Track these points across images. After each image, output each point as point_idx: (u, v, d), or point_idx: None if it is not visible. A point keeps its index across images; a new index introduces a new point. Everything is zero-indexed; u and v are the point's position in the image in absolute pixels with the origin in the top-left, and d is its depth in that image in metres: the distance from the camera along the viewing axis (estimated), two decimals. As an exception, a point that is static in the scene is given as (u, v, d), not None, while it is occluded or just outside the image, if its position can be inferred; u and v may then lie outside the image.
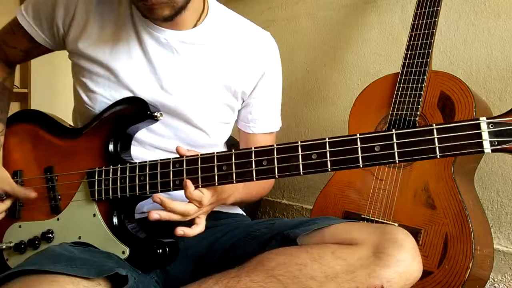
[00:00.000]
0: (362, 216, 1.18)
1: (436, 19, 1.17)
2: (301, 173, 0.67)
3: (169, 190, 0.76)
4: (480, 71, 1.35)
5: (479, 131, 0.58)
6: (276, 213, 1.95)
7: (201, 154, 0.75)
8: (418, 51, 1.18)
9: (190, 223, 0.79)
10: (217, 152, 0.74)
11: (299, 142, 0.68)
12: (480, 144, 0.58)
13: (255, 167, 0.70)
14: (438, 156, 0.60)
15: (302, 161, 0.67)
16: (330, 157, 0.66)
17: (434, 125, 0.60)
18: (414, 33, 1.20)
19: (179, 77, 0.89)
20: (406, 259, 0.69)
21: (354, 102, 1.31)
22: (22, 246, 0.86)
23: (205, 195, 0.76)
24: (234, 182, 0.72)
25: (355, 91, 1.55)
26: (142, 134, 0.89)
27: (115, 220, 0.81)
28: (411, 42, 1.20)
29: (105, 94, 0.89)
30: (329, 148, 0.66)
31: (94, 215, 0.82)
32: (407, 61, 1.19)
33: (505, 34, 1.30)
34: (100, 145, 0.84)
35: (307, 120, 1.85)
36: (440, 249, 1.03)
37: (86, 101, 0.90)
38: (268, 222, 0.90)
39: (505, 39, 1.30)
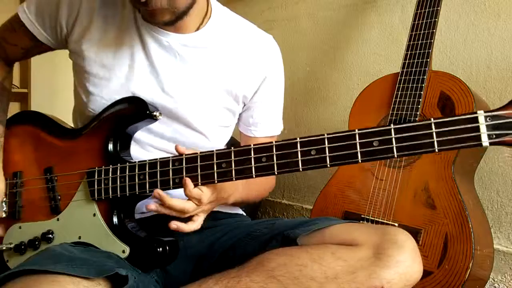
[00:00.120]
0: (362, 216, 1.18)
1: (436, 19, 1.17)
2: (301, 169, 0.67)
3: (169, 189, 0.76)
4: (480, 71, 1.35)
5: (476, 124, 0.58)
6: (276, 213, 1.95)
7: (200, 152, 0.75)
8: (418, 51, 1.18)
9: (187, 219, 0.79)
10: (216, 150, 0.74)
11: (298, 138, 0.68)
12: (478, 138, 0.58)
13: (254, 164, 0.70)
14: (437, 150, 0.60)
15: (301, 157, 0.67)
16: (329, 153, 0.66)
17: (432, 119, 0.60)
18: (414, 33, 1.20)
19: (181, 81, 0.89)
20: (406, 260, 0.69)
21: (354, 102, 1.31)
22: (22, 247, 0.86)
23: (204, 193, 0.76)
24: (234, 179, 0.72)
25: (355, 91, 1.55)
26: (142, 135, 0.90)
27: (115, 219, 0.81)
28: (411, 42, 1.20)
29: (105, 96, 0.89)
30: (328, 144, 0.66)
31: (94, 214, 0.82)
32: (407, 61, 1.19)
33: (505, 34, 1.30)
34: (100, 145, 0.84)
35: (307, 120, 1.85)
36: (440, 249, 1.03)
37: (86, 101, 0.90)
38: (268, 222, 0.90)
39: (505, 39, 1.30)
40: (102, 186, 0.81)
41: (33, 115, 0.95)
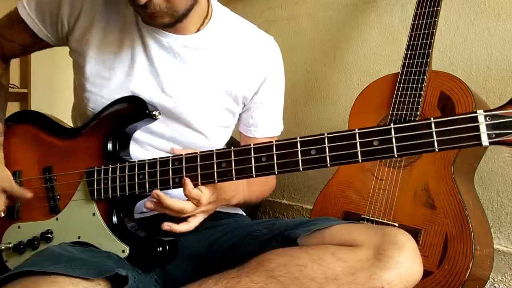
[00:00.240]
0: (362, 216, 1.18)
1: (436, 19, 1.17)
2: (301, 169, 0.67)
3: (169, 188, 0.76)
4: (480, 71, 1.35)
5: (476, 124, 0.58)
6: (276, 213, 1.95)
7: (200, 152, 0.75)
8: (418, 51, 1.18)
9: (182, 220, 0.79)
10: (216, 149, 0.74)
11: (298, 138, 0.68)
12: (478, 137, 0.58)
13: (255, 163, 0.70)
14: (437, 150, 0.59)
15: (301, 156, 0.67)
16: (329, 153, 0.66)
17: (432, 118, 0.60)
18: (414, 33, 1.20)
19: (181, 81, 0.89)
20: (406, 261, 0.69)
21: (354, 102, 1.31)
22: (21, 246, 0.86)
23: (204, 194, 0.76)
24: (234, 179, 0.72)
25: (355, 91, 1.55)
26: (142, 135, 0.89)
27: (114, 219, 0.81)
28: (411, 42, 1.20)
29: (105, 95, 0.88)
30: (328, 143, 0.66)
31: (94, 214, 0.82)
32: (407, 61, 1.19)
33: (505, 34, 1.30)
34: (99, 144, 0.84)
35: (307, 120, 1.85)
36: (440, 249, 1.03)
37: (86, 100, 0.90)
38: (268, 223, 0.90)
39: (505, 39, 1.30)
40: (102, 185, 0.81)
41: (32, 115, 0.95)
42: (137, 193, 0.79)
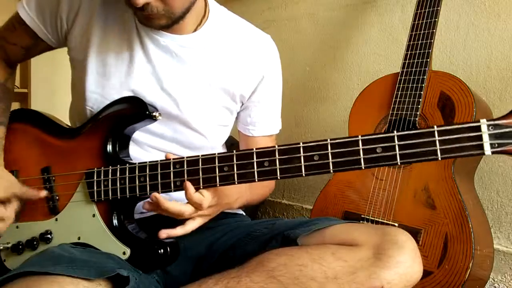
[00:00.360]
0: (362, 216, 1.18)
1: (436, 19, 1.17)
2: (303, 174, 0.67)
3: (170, 191, 0.76)
4: (480, 71, 1.35)
5: (479, 133, 0.58)
6: (276, 213, 1.95)
7: (202, 155, 0.75)
8: (418, 51, 1.18)
9: (182, 221, 0.79)
10: (218, 153, 0.74)
11: (301, 143, 0.68)
12: (481, 146, 0.58)
13: (257, 168, 0.70)
14: (439, 158, 0.60)
15: (304, 162, 0.67)
16: (332, 159, 0.66)
17: (435, 127, 0.61)
18: (414, 33, 1.20)
19: (179, 80, 0.89)
20: (406, 260, 0.69)
21: (354, 102, 1.31)
22: (20, 247, 0.85)
23: (205, 198, 0.76)
24: (236, 183, 0.72)
25: (355, 91, 1.55)
26: (141, 135, 0.89)
27: (115, 220, 0.81)
28: (411, 42, 1.20)
29: (104, 94, 0.88)
30: (331, 149, 0.66)
31: (94, 215, 0.82)
32: (407, 61, 1.19)
33: (505, 34, 1.30)
34: (98, 145, 0.84)
35: (307, 120, 1.85)
36: (440, 249, 1.03)
37: (84, 98, 0.90)
38: (268, 222, 0.90)
39: (505, 39, 1.30)
40: (102, 187, 0.80)
41: (31, 114, 0.94)
42: (138, 195, 0.78)
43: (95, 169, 0.82)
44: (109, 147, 0.83)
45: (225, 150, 1.07)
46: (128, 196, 0.79)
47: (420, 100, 1.14)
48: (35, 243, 0.85)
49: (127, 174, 0.79)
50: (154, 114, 0.82)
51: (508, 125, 0.57)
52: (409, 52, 1.19)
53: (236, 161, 0.72)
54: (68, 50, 0.94)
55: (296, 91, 1.87)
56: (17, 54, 0.98)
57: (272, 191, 1.08)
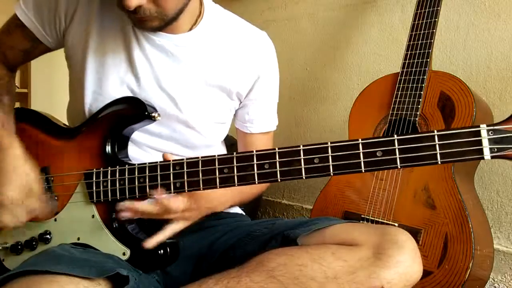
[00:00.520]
0: (362, 216, 1.18)
1: (436, 19, 1.17)
2: (304, 177, 0.68)
3: (170, 192, 0.76)
4: (480, 71, 1.35)
5: (479, 138, 0.59)
6: (276, 213, 1.95)
7: (202, 157, 0.74)
8: (418, 51, 1.18)
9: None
10: (218, 155, 0.73)
11: (301, 146, 0.68)
12: (480, 151, 0.59)
13: (257, 170, 0.70)
14: (439, 162, 0.61)
15: (304, 165, 0.67)
16: (332, 162, 0.66)
17: (435, 131, 0.61)
18: (414, 33, 1.20)
19: (176, 79, 0.89)
20: (406, 260, 0.69)
21: (354, 102, 1.31)
22: (19, 247, 0.85)
23: (171, 201, 0.76)
24: (236, 185, 0.72)
25: (355, 91, 1.55)
26: (138, 135, 0.89)
27: (114, 221, 0.81)
28: (411, 42, 1.20)
29: (102, 92, 0.88)
30: (331, 152, 0.66)
31: (93, 216, 0.81)
32: (407, 61, 1.19)
33: (505, 34, 1.30)
34: (97, 145, 0.84)
35: (307, 120, 1.85)
36: (440, 249, 1.03)
37: (83, 97, 0.89)
38: (268, 222, 0.90)
39: (505, 39, 1.30)
40: (101, 188, 0.80)
41: (29, 113, 0.94)
42: (137, 196, 0.78)
43: (94, 170, 0.82)
44: (108, 148, 0.83)
45: (224, 148, 1.07)
46: (127, 197, 0.79)
47: (420, 100, 1.14)
48: (34, 243, 0.84)
49: (126, 175, 0.79)
50: (153, 114, 0.82)
51: (508, 130, 0.58)
52: (409, 52, 1.20)
53: (236, 163, 0.72)
54: (65, 49, 0.94)
55: (296, 91, 1.87)
56: (16, 57, 0.97)
57: (266, 187, 1.08)
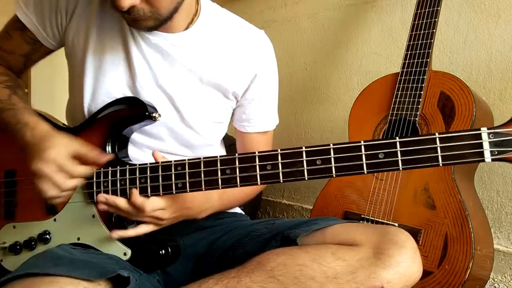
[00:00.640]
0: (362, 216, 1.18)
1: (436, 19, 1.17)
2: (306, 178, 0.68)
3: (171, 193, 0.76)
4: (480, 71, 1.35)
5: (480, 141, 0.60)
6: (276, 213, 1.95)
7: (204, 158, 0.74)
8: (418, 51, 1.18)
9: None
10: (220, 156, 0.73)
11: (303, 147, 0.68)
12: (481, 154, 0.60)
13: (259, 171, 0.70)
14: (441, 164, 0.61)
15: (306, 166, 0.68)
16: (334, 163, 0.66)
17: (437, 133, 0.62)
18: (414, 33, 1.20)
19: (172, 77, 0.89)
20: (406, 260, 0.69)
21: (354, 102, 1.31)
22: (18, 247, 0.84)
23: (148, 204, 0.76)
24: (238, 186, 0.72)
25: (355, 91, 1.55)
26: (137, 135, 0.89)
27: (115, 221, 0.81)
28: (411, 42, 1.20)
29: (103, 92, 0.88)
30: (334, 154, 0.67)
31: (93, 216, 0.81)
32: (407, 61, 1.19)
33: (505, 34, 1.30)
34: (98, 145, 0.83)
35: (307, 120, 1.85)
36: (440, 249, 1.03)
37: (82, 96, 0.89)
38: (268, 222, 0.90)
39: (505, 39, 1.30)
40: (102, 188, 0.80)
41: None
42: None
43: (94, 170, 0.82)
44: (108, 148, 0.83)
45: (223, 147, 1.07)
46: (128, 198, 0.78)
47: (420, 100, 1.14)
48: (33, 243, 0.84)
49: (127, 176, 0.79)
50: (154, 114, 0.82)
51: (508, 133, 0.59)
52: (409, 52, 1.20)
53: (239, 164, 0.72)
54: (65, 47, 0.93)
55: (296, 91, 1.87)
56: (17, 63, 0.96)
57: (262, 189, 1.07)
